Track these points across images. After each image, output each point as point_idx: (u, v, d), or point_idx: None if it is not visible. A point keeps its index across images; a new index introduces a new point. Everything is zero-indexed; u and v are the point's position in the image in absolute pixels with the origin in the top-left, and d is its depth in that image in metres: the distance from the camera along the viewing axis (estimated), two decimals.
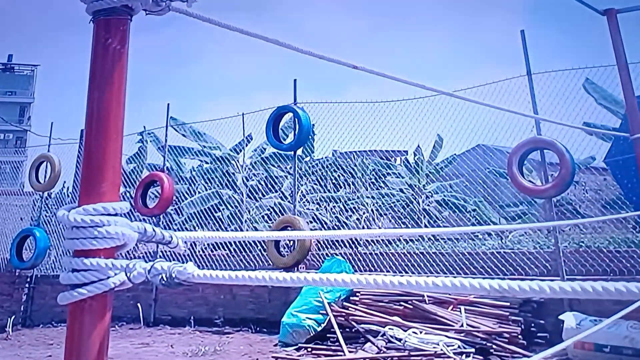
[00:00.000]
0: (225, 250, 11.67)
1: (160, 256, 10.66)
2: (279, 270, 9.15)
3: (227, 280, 0.91)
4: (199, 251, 12.18)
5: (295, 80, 10.79)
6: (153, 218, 11.06)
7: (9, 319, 11.20)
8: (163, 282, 0.92)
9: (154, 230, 1.01)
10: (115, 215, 0.96)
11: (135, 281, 0.93)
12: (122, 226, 0.95)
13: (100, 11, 0.96)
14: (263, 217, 13.29)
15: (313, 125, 12.10)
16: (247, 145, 13.41)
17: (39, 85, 61.67)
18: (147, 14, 1.02)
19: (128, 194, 13.47)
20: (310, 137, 12.53)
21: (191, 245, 12.17)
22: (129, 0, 0.96)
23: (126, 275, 0.94)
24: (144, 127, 14.30)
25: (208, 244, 12.44)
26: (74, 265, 0.94)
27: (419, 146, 12.50)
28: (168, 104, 12.65)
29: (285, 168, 13.45)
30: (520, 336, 6.90)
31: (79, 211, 0.95)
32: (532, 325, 7.24)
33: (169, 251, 11.64)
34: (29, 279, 12.16)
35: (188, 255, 11.69)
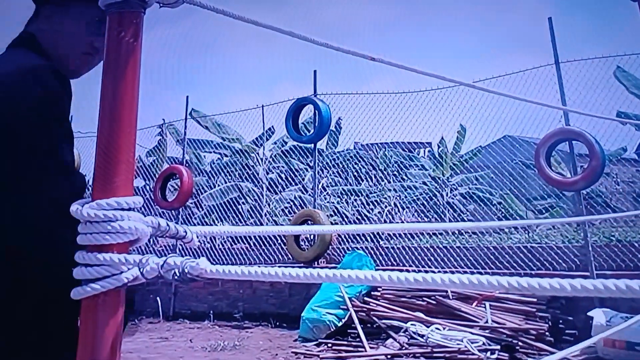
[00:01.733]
0: (245, 244, 11.72)
1: (179, 250, 10.76)
2: (299, 264, 9.19)
3: (240, 276, 0.91)
4: (218, 245, 12.24)
5: (315, 71, 10.75)
6: (172, 211, 11.14)
7: None
8: (176, 277, 0.93)
9: (167, 224, 1.01)
10: (129, 209, 0.97)
11: (148, 276, 0.94)
12: (136, 221, 0.96)
13: (113, 4, 0.97)
14: (283, 210, 13.33)
15: (340, 119, 12.12)
16: (268, 138, 13.41)
17: None
18: (160, 6, 1.03)
19: (148, 187, 13.59)
20: (334, 129, 12.57)
21: (211, 239, 12.24)
22: None
23: (139, 270, 0.95)
24: (163, 119, 14.35)
25: (228, 238, 12.51)
26: (87, 260, 0.96)
27: (442, 138, 12.47)
28: (187, 96, 12.68)
29: (306, 161, 13.46)
30: (547, 333, 6.84)
31: (92, 206, 0.96)
32: (560, 322, 7.20)
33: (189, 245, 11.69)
34: None
35: (209, 249, 11.75)
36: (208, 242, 12.17)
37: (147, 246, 11.62)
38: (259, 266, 0.93)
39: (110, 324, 0.95)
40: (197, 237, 1.08)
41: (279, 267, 0.91)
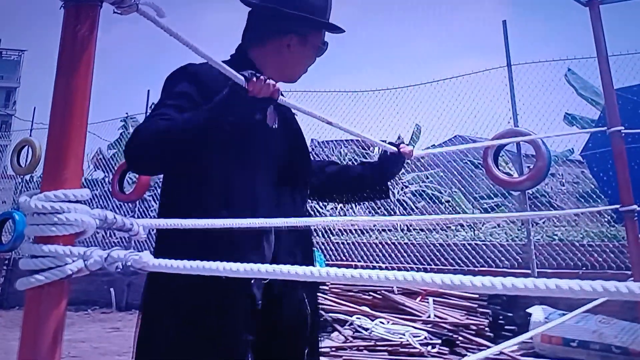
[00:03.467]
0: None
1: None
2: None
3: (183, 270, 0.92)
4: None
5: None
6: (129, 204, 11.01)
7: None
8: (119, 270, 0.94)
9: (115, 217, 1.02)
10: (77, 202, 0.97)
11: (92, 268, 0.95)
12: (82, 213, 0.96)
13: None
14: None
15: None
16: None
17: (25, 70, 61.24)
18: (114, 11, 1.03)
19: (107, 180, 13.40)
20: None
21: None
22: None
23: (84, 262, 0.95)
24: (127, 113, 14.22)
25: None
26: (33, 251, 0.96)
27: (399, 136, 12.53)
28: (148, 90, 12.57)
29: None
30: (487, 328, 6.97)
31: (40, 197, 0.96)
32: (500, 317, 7.28)
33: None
34: (6, 262, 12.08)
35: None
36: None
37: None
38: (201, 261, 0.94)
39: (53, 315, 0.96)
40: (144, 229, 1.08)
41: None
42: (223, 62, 1.66)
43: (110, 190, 10.63)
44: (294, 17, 2.15)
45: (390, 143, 2.58)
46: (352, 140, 12.23)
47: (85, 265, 0.96)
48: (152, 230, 1.39)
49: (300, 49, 2.21)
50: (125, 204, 11.01)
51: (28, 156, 11.11)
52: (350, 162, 12.71)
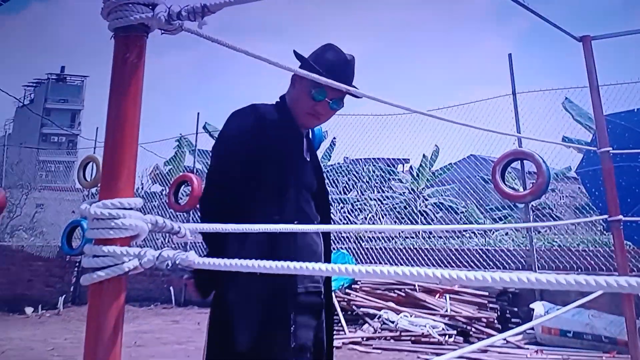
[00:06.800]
0: None
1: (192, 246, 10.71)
2: None
3: (223, 267, 0.92)
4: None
5: None
6: (184, 214, 11.08)
7: (60, 298, 11.30)
8: (169, 267, 0.95)
9: (164, 222, 1.01)
10: (130, 209, 0.97)
11: (145, 266, 0.96)
12: (136, 218, 0.96)
13: (120, 28, 0.98)
14: None
15: (334, 138, 12.15)
16: None
17: (88, 94, 62.16)
18: (162, 33, 1.02)
19: (164, 193, 13.51)
20: (330, 145, 12.59)
21: None
22: (146, 19, 0.96)
23: (139, 261, 0.95)
24: (180, 134, 14.33)
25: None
26: (95, 251, 0.96)
27: (424, 155, 12.48)
28: (198, 113, 12.69)
29: None
30: (496, 321, 6.98)
31: (99, 205, 0.96)
32: (507, 312, 7.29)
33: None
34: (77, 264, 12.22)
35: None
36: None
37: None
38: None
39: (113, 307, 0.96)
40: (190, 232, 1.07)
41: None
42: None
43: (167, 201, 10.73)
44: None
45: None
46: (380, 158, 12.20)
47: (140, 263, 0.96)
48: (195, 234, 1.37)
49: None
50: (180, 214, 11.08)
51: (93, 171, 11.23)
52: (379, 178, 12.70)
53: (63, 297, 11.37)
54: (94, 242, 0.97)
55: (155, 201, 13.45)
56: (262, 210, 2.12)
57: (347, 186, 12.93)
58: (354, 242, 10.21)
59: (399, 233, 10.51)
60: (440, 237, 10.35)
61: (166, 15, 0.97)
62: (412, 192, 12.86)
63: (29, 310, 11.18)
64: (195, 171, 12.17)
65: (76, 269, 12.16)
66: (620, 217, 2.97)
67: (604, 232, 8.38)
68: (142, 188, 14.44)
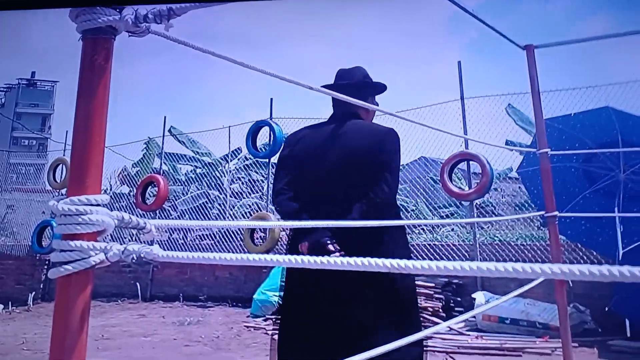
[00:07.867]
0: (211, 240, 11.56)
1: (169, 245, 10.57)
2: None
3: (187, 260, 0.92)
4: (189, 241, 12.04)
5: (271, 98, 10.76)
6: (150, 213, 10.93)
7: (30, 294, 11.04)
8: (134, 260, 0.93)
9: (130, 218, 1.00)
10: (97, 205, 0.95)
11: (111, 260, 0.94)
12: (102, 214, 0.94)
13: (88, 31, 0.95)
14: (243, 214, 13.18)
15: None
16: (237, 156, 13.22)
17: (58, 98, 60.67)
18: (129, 35, 1.00)
19: (131, 194, 13.27)
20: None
21: (183, 236, 12.07)
22: (113, 21, 0.94)
23: (105, 255, 0.93)
24: (148, 136, 14.07)
25: (198, 236, 12.31)
26: (62, 246, 0.95)
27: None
28: (165, 117, 12.58)
29: (262, 172, 13.34)
30: (441, 310, 7.05)
31: (67, 201, 0.94)
32: (451, 302, 7.38)
33: (172, 240, 11.59)
34: (47, 262, 11.92)
35: (182, 244, 11.64)
36: (181, 239, 11.98)
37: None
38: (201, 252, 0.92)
39: (80, 298, 0.95)
40: (156, 228, 1.05)
41: (215, 252, 0.91)
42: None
43: (134, 202, 10.58)
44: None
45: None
46: None
47: (106, 257, 0.95)
48: (164, 229, 1.35)
49: None
50: (148, 213, 10.94)
51: (63, 173, 10.98)
52: None
53: (33, 294, 11.10)
54: (62, 237, 0.96)
55: (123, 202, 13.20)
56: None
57: None
58: None
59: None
60: None
61: (133, 17, 0.95)
62: None
63: None
64: (162, 172, 12.01)
65: (46, 266, 11.88)
66: (556, 213, 3.03)
67: (541, 227, 8.57)
68: (111, 189, 14.16)
